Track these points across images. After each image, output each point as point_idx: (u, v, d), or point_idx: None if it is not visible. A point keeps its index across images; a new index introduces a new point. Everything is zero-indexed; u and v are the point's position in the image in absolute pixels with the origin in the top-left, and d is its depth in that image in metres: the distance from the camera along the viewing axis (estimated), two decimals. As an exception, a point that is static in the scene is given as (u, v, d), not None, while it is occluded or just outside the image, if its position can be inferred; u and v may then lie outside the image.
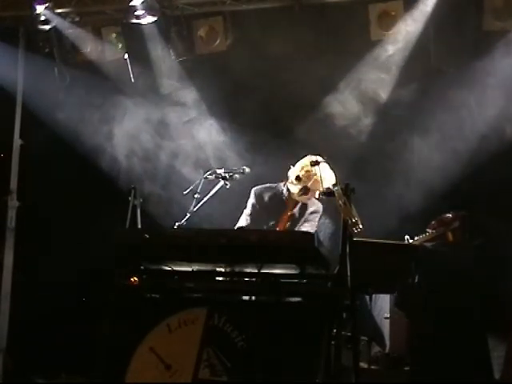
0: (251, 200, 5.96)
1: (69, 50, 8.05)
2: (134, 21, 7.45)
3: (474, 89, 6.74)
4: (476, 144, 6.78)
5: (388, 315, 5.72)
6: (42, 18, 7.62)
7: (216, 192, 5.87)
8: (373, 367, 5.53)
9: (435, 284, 5.32)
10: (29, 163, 8.13)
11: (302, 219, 5.90)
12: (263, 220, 5.89)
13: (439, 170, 6.85)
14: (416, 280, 5.23)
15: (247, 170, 5.94)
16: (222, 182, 5.86)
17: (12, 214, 8.04)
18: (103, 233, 4.99)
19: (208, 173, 5.88)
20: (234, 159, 7.45)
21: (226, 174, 5.86)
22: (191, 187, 5.83)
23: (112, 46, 7.94)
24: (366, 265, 4.64)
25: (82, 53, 8.02)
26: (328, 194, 4.97)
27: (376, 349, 5.64)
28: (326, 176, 5.60)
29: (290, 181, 5.90)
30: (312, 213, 5.92)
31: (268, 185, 6.05)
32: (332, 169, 5.70)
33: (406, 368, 5.58)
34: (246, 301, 4.77)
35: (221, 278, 4.67)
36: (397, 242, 5.48)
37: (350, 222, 4.35)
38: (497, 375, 5.20)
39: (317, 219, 5.93)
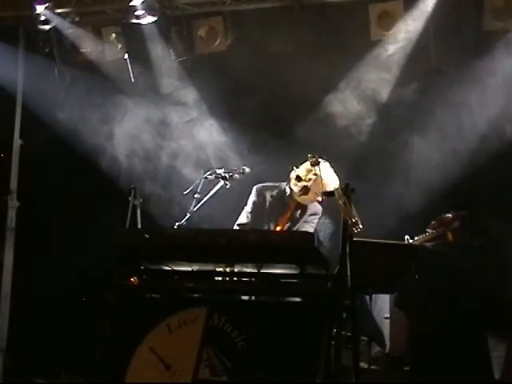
0: (252, 197, 5.94)
1: (69, 50, 8.05)
2: (134, 21, 7.45)
3: (474, 89, 6.74)
4: (476, 144, 6.78)
5: (388, 315, 5.72)
6: (42, 17, 7.62)
7: (216, 192, 5.86)
8: (373, 367, 5.53)
9: (435, 284, 5.32)
10: (29, 163, 8.13)
11: (301, 220, 5.89)
12: (263, 218, 5.87)
13: (439, 169, 6.86)
14: (416, 280, 5.23)
15: (247, 169, 5.93)
16: (221, 182, 5.86)
17: (12, 214, 8.04)
18: (103, 233, 4.99)
19: (208, 173, 5.88)
20: (234, 159, 7.45)
21: (226, 174, 5.85)
22: (191, 187, 5.83)
23: (112, 46, 7.94)
24: (366, 265, 4.64)
25: (81, 53, 8.02)
26: (328, 193, 4.97)
27: (376, 349, 5.64)
28: (328, 178, 5.58)
29: (291, 181, 5.89)
30: (311, 215, 5.91)
31: (270, 183, 6.03)
32: (335, 171, 5.68)
33: (406, 368, 5.58)
34: (245, 301, 4.77)
35: (221, 278, 4.67)
36: (397, 241, 5.48)
37: (350, 221, 4.35)
38: (497, 375, 5.20)
39: (315, 221, 5.92)
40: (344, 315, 4.31)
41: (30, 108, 8.10)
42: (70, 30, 7.89)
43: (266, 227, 5.81)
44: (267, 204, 5.91)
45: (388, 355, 5.65)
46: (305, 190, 5.80)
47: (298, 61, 7.33)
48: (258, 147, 7.38)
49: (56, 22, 7.72)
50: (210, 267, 4.66)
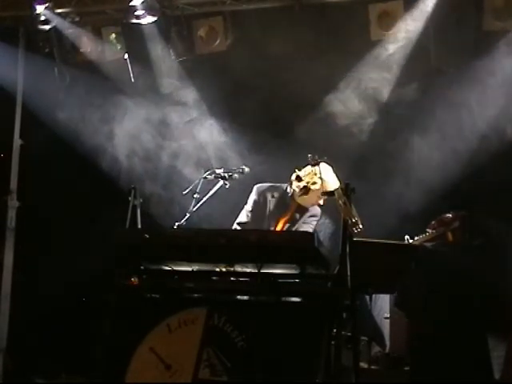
0: (253, 196, 5.93)
1: (69, 50, 8.05)
2: (134, 21, 7.45)
3: (475, 88, 6.74)
4: (476, 144, 6.78)
5: (388, 315, 5.72)
6: (42, 17, 7.62)
7: (215, 192, 5.86)
8: (373, 367, 5.53)
9: (435, 284, 5.32)
10: (29, 163, 8.14)
11: (300, 221, 5.88)
12: (264, 218, 5.87)
13: (439, 169, 6.86)
14: (416, 280, 5.23)
15: (246, 169, 5.93)
16: (221, 182, 5.86)
17: (12, 214, 8.04)
18: (103, 233, 4.99)
19: (207, 173, 5.88)
20: (234, 159, 7.45)
21: (226, 174, 5.85)
22: (190, 187, 5.83)
23: (112, 46, 7.94)
24: (366, 265, 4.63)
25: (81, 53, 8.02)
26: (328, 193, 4.97)
27: (376, 349, 5.64)
28: (329, 179, 5.58)
29: (293, 184, 5.89)
30: (311, 216, 5.91)
31: (271, 184, 6.03)
32: (336, 173, 5.68)
33: (406, 368, 5.58)
34: (245, 301, 4.76)
35: (221, 278, 4.67)
36: (397, 241, 5.48)
37: (350, 221, 4.35)
38: (497, 375, 5.20)
39: (314, 223, 5.91)
40: (344, 315, 4.31)
41: (30, 108, 8.10)
42: (69, 29, 7.89)
43: (266, 227, 5.81)
44: (268, 204, 5.90)
45: (388, 355, 5.65)
46: (305, 190, 5.80)
47: (297, 61, 7.33)
48: (258, 147, 7.39)
49: (56, 22, 7.73)
50: (209, 267, 4.66)
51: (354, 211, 4.39)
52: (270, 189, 5.95)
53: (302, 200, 5.86)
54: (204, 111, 7.88)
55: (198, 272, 4.70)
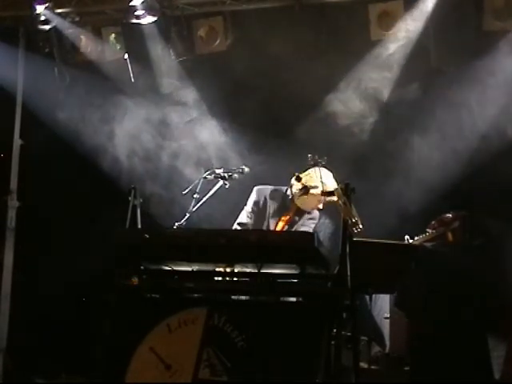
0: (253, 198, 5.92)
1: (69, 50, 8.05)
2: (134, 21, 7.45)
3: (475, 88, 6.75)
4: (476, 144, 6.79)
5: (388, 315, 5.72)
6: (42, 17, 7.63)
7: (215, 192, 5.86)
8: (373, 367, 5.53)
9: (435, 284, 5.32)
10: (29, 163, 8.14)
11: (299, 223, 5.88)
12: (264, 220, 5.87)
13: (439, 169, 6.86)
14: (416, 280, 5.23)
15: (246, 169, 5.93)
16: (221, 182, 5.86)
17: (12, 214, 8.04)
18: (103, 233, 4.99)
19: (207, 172, 5.87)
20: (234, 159, 7.45)
21: (226, 174, 5.85)
22: (190, 187, 5.83)
23: (112, 46, 7.94)
24: (366, 265, 4.63)
25: (81, 53, 8.02)
26: (328, 193, 4.97)
27: (376, 349, 5.64)
28: (329, 184, 5.58)
29: (294, 186, 5.89)
30: (309, 219, 5.92)
31: (272, 186, 6.02)
32: (334, 177, 5.67)
33: (406, 368, 5.58)
34: (246, 301, 4.77)
35: (221, 278, 4.67)
36: (397, 241, 5.48)
37: (350, 221, 4.35)
38: (497, 375, 5.20)
39: (313, 226, 5.92)
40: (344, 315, 4.30)
41: (30, 108, 8.11)
42: (69, 29, 7.89)
43: (265, 229, 5.81)
44: (268, 206, 5.89)
45: (388, 355, 5.65)
46: (305, 190, 5.79)
47: (297, 61, 7.33)
48: (259, 147, 7.39)
49: (56, 21, 7.73)
50: (209, 267, 4.66)
51: (354, 211, 4.39)
52: (270, 191, 5.94)
53: (302, 203, 5.86)
54: (204, 111, 7.88)
55: (198, 272, 4.70)
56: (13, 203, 8.04)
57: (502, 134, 6.72)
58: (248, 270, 4.56)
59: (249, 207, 5.91)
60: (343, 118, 7.30)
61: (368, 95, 7.26)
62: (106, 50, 7.99)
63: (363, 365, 5.31)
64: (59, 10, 7.73)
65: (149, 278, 4.83)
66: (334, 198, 4.67)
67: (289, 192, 5.90)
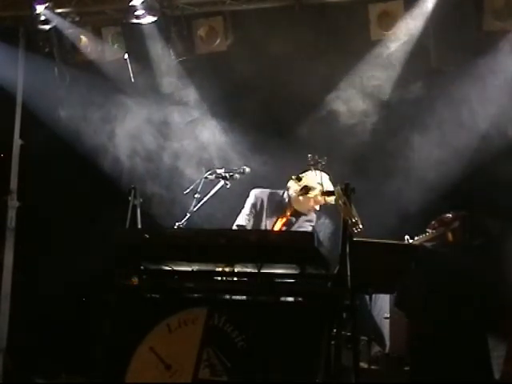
0: (250, 200, 5.94)
1: (69, 50, 8.05)
2: (134, 21, 7.45)
3: (475, 88, 6.75)
4: (476, 143, 6.79)
5: (388, 315, 5.72)
6: (42, 17, 7.62)
7: (216, 192, 5.86)
8: (373, 367, 5.52)
9: (435, 284, 5.32)
10: (29, 163, 8.14)
11: (296, 225, 5.90)
12: (260, 223, 5.89)
13: (440, 169, 6.86)
14: (416, 280, 5.23)
15: (247, 169, 5.93)
16: (222, 182, 5.86)
17: (12, 214, 8.04)
18: (103, 233, 4.99)
19: (208, 173, 5.88)
20: (236, 159, 7.46)
21: (227, 174, 5.85)
22: (191, 187, 5.83)
23: (112, 46, 7.94)
24: (366, 265, 4.63)
25: (81, 53, 8.02)
26: (328, 193, 4.97)
27: (376, 349, 5.64)
28: (327, 186, 5.59)
29: (292, 187, 5.90)
30: (306, 221, 5.93)
31: (269, 190, 6.04)
32: (328, 175, 5.68)
33: (406, 368, 5.58)
34: (245, 301, 4.77)
35: (221, 278, 4.67)
36: (397, 241, 5.48)
37: (350, 221, 4.35)
38: (497, 375, 5.19)
39: (310, 228, 5.92)
40: (344, 315, 4.31)
41: (30, 108, 8.11)
42: (69, 29, 7.89)
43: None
44: (265, 208, 5.91)
45: (388, 355, 5.65)
46: (305, 190, 5.80)
47: (298, 61, 7.33)
48: (259, 147, 7.39)
49: (56, 21, 7.73)
50: (209, 267, 4.66)
51: (354, 211, 4.39)
52: (266, 194, 5.96)
53: (298, 205, 5.87)
54: (205, 111, 7.88)
55: (198, 272, 4.70)
56: (13, 203, 8.04)
57: (502, 134, 6.72)
58: (248, 270, 4.56)
59: (246, 210, 5.93)
60: (343, 118, 7.30)
61: (368, 94, 7.26)
62: (106, 50, 7.99)
63: (363, 365, 5.30)
64: (59, 10, 7.73)
65: (149, 278, 4.83)
66: (332, 200, 4.67)
67: (285, 195, 5.93)
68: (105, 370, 4.58)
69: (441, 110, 6.99)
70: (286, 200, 5.91)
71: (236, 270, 4.58)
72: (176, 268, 4.71)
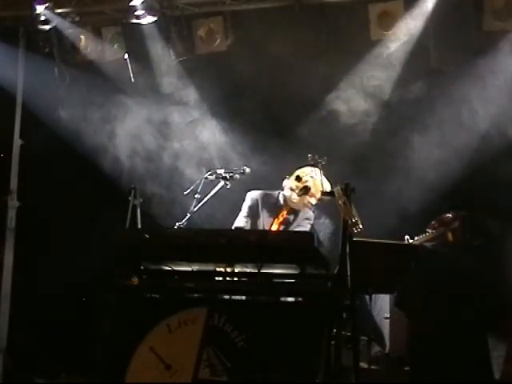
0: (247, 203, 5.97)
1: (69, 50, 8.05)
2: (134, 21, 7.46)
3: (475, 88, 6.75)
4: (477, 143, 6.79)
5: (388, 315, 5.72)
6: (42, 17, 7.63)
7: (216, 192, 5.87)
8: (373, 367, 5.53)
9: (435, 284, 5.32)
10: (29, 163, 8.14)
11: (295, 224, 5.91)
12: (257, 223, 5.91)
13: (440, 169, 6.86)
14: (416, 280, 5.23)
15: (247, 170, 5.94)
16: (222, 183, 5.86)
17: (12, 214, 8.04)
18: (103, 233, 4.99)
19: (208, 173, 5.88)
20: (236, 159, 7.46)
21: (227, 174, 5.85)
22: (191, 187, 5.83)
23: (112, 46, 7.94)
24: (366, 265, 4.63)
25: (81, 53, 8.02)
26: (328, 193, 4.97)
27: (376, 349, 5.64)
28: (319, 180, 5.61)
29: (288, 185, 5.90)
30: (305, 219, 5.94)
31: (264, 191, 6.05)
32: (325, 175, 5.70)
33: (406, 368, 5.58)
34: (245, 301, 4.77)
35: (221, 278, 4.67)
36: (397, 241, 5.48)
37: (350, 221, 4.35)
38: (497, 375, 5.19)
39: (308, 227, 5.94)
40: (344, 315, 4.31)
41: (30, 108, 8.11)
42: (69, 29, 7.89)
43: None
44: (260, 209, 5.93)
45: (388, 355, 5.65)
46: (305, 190, 5.81)
47: (298, 61, 7.33)
48: (259, 147, 7.39)
49: (56, 21, 7.73)
50: (210, 267, 4.66)
51: (354, 211, 4.39)
52: (262, 195, 5.98)
53: (294, 203, 5.87)
54: (205, 111, 7.88)
55: (198, 272, 4.70)
56: (13, 203, 8.04)
57: (502, 134, 6.72)
58: (248, 270, 4.56)
59: (244, 212, 5.95)
60: (343, 118, 7.31)
61: (368, 94, 7.26)
62: (106, 50, 7.99)
63: (363, 365, 5.31)
64: (59, 10, 7.74)
65: (149, 278, 4.83)
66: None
67: (281, 195, 5.94)
68: (105, 370, 4.57)
69: (441, 110, 6.99)
70: (282, 200, 5.93)
71: (236, 270, 4.58)
72: (176, 268, 4.71)
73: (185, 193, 5.89)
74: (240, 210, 5.98)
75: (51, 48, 8.02)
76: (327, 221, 6.39)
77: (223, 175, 5.85)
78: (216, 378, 4.27)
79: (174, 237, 4.82)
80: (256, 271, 4.47)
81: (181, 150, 7.88)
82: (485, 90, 6.72)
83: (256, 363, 4.23)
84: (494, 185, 6.51)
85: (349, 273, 4.26)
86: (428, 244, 5.63)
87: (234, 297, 4.81)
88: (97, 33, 8.00)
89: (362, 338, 5.35)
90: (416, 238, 5.70)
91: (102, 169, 7.97)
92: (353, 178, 4.76)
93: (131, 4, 7.32)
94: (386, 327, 5.67)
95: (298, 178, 5.84)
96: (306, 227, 5.92)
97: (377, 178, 6.92)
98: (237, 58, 7.43)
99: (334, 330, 4.25)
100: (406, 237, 5.71)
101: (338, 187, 4.51)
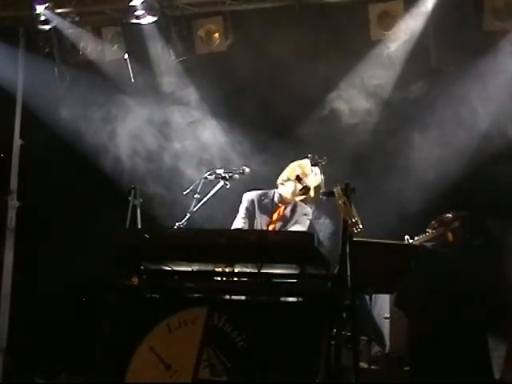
0: (244, 204, 6.02)
1: (69, 50, 8.06)
2: (134, 21, 7.46)
3: (476, 88, 6.75)
4: (477, 143, 6.79)
5: (388, 315, 5.72)
6: (42, 18, 7.63)
7: (216, 192, 5.87)
8: (373, 367, 5.53)
9: (435, 284, 5.32)
10: (29, 163, 8.14)
11: (293, 220, 5.95)
12: (254, 223, 5.96)
13: (440, 169, 6.86)
14: (416, 280, 5.22)
15: (247, 170, 5.95)
16: (221, 183, 5.87)
17: (12, 214, 8.04)
18: (103, 233, 4.99)
19: (208, 173, 5.89)
20: (237, 159, 7.46)
21: (226, 174, 5.86)
22: (191, 187, 5.84)
23: (112, 46, 7.94)
24: (366, 265, 4.63)
25: (81, 53, 8.02)
26: (328, 193, 4.97)
27: (376, 349, 5.64)
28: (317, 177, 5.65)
29: (282, 181, 5.93)
30: (303, 214, 5.98)
31: (259, 191, 6.10)
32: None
33: (406, 368, 5.57)
34: (245, 301, 4.77)
35: (221, 278, 4.67)
36: (397, 241, 5.48)
37: (350, 221, 4.35)
38: (497, 375, 5.19)
39: (307, 222, 5.99)
40: (344, 315, 4.31)
41: (30, 108, 8.11)
42: (69, 29, 7.89)
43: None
44: (257, 209, 5.98)
45: (388, 355, 5.65)
46: (305, 190, 5.83)
47: (298, 61, 7.34)
48: (259, 147, 7.40)
49: (56, 22, 7.73)
50: (209, 267, 4.66)
51: (354, 211, 4.39)
52: (258, 195, 6.04)
53: (288, 194, 5.93)
54: (205, 111, 7.89)
55: (198, 272, 4.70)
56: (13, 203, 8.03)
57: (502, 134, 6.72)
58: (248, 270, 4.56)
59: (241, 213, 6.00)
60: (344, 118, 7.31)
61: (369, 94, 7.27)
62: (106, 50, 7.99)
63: (363, 365, 5.31)
64: (59, 10, 7.74)
65: (149, 278, 4.83)
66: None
67: (276, 194, 5.96)
68: (105, 370, 4.57)
69: (441, 110, 7.00)
70: (277, 198, 6.00)
71: (236, 270, 4.58)
72: (176, 268, 4.71)
73: (184, 193, 5.90)
74: (238, 211, 6.00)
75: (51, 48, 8.02)
76: (327, 221, 6.39)
77: (222, 175, 5.87)
78: (216, 378, 4.27)
79: (173, 237, 4.82)
80: (256, 271, 4.47)
81: (181, 150, 7.88)
82: (485, 89, 6.72)
83: (256, 363, 4.23)
84: (493, 185, 6.51)
85: (349, 273, 4.26)
86: (428, 244, 5.63)
87: (233, 297, 4.81)
88: (97, 33, 8.00)
89: (362, 338, 5.35)
90: (416, 238, 5.69)
91: (102, 169, 7.97)
92: (353, 178, 4.77)
93: (131, 4, 7.32)
94: (386, 327, 5.67)
95: (298, 178, 5.86)
96: (304, 222, 5.96)
97: (377, 178, 6.92)
98: (237, 58, 7.43)
99: (334, 330, 4.25)
100: (406, 237, 5.71)
101: (338, 187, 4.51)
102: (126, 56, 7.78)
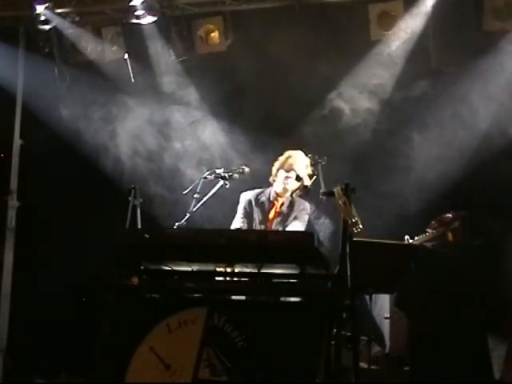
0: (241, 204, 6.05)
1: (69, 50, 8.06)
2: (134, 21, 7.46)
3: (476, 88, 6.75)
4: (477, 143, 6.79)
5: (388, 315, 5.71)
6: (42, 18, 7.63)
7: (216, 192, 5.87)
8: (373, 367, 5.52)
9: (435, 284, 5.32)
10: (29, 163, 8.13)
11: (292, 216, 5.97)
12: (252, 221, 5.98)
13: (440, 168, 6.86)
14: (416, 280, 5.22)
15: (246, 169, 5.95)
16: (221, 182, 5.87)
17: (12, 214, 8.04)
18: (103, 233, 4.99)
19: (207, 173, 5.89)
20: (236, 159, 7.46)
21: (226, 174, 5.87)
22: (191, 187, 5.84)
23: (112, 46, 7.95)
24: (365, 265, 4.63)
25: (81, 53, 8.02)
26: (328, 193, 4.97)
27: (376, 349, 5.64)
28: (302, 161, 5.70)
29: (273, 177, 6.01)
30: (301, 210, 6.02)
31: (256, 190, 6.11)
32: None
33: (406, 368, 5.57)
34: (245, 301, 4.77)
35: (221, 278, 4.67)
36: (397, 241, 5.48)
37: (349, 221, 4.35)
38: (497, 375, 5.19)
39: (306, 217, 6.02)
40: (344, 315, 4.30)
41: (30, 108, 8.10)
42: (70, 29, 7.89)
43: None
44: (254, 207, 6.01)
45: (388, 355, 5.64)
46: (305, 190, 5.84)
47: (298, 61, 7.34)
48: (259, 147, 7.39)
49: (56, 22, 7.73)
50: (209, 267, 4.66)
51: (354, 211, 4.39)
52: (255, 194, 6.07)
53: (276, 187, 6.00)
54: (205, 111, 7.89)
55: (198, 272, 4.70)
56: (13, 203, 8.03)
57: (502, 134, 6.72)
58: (248, 270, 4.56)
59: (239, 213, 6.03)
60: (344, 117, 7.31)
61: (369, 94, 7.27)
62: (106, 50, 7.99)
63: (363, 365, 5.31)
64: (59, 10, 7.74)
65: (149, 278, 4.83)
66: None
67: (272, 192, 6.00)
68: (105, 370, 4.57)
69: (441, 110, 7.00)
70: (273, 195, 6.03)
71: (236, 270, 4.58)
72: (176, 268, 4.71)
73: (184, 192, 5.90)
74: (236, 211, 6.01)
75: (51, 48, 8.02)
76: (327, 221, 6.39)
77: (222, 175, 5.87)
78: (216, 378, 4.27)
79: (173, 237, 4.82)
80: (256, 271, 4.47)
81: (182, 150, 7.89)
82: (485, 89, 6.72)
83: (256, 363, 4.23)
84: (494, 185, 6.51)
85: (349, 273, 4.26)
86: (428, 244, 5.63)
87: (233, 297, 4.81)
88: (97, 33, 8.00)
89: (362, 338, 5.35)
90: (416, 238, 5.70)
91: (102, 169, 7.98)
92: (353, 178, 4.77)
93: (131, 4, 7.32)
94: (386, 327, 5.66)
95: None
96: (303, 217, 5.99)
97: (377, 178, 6.92)
98: (237, 58, 7.43)
99: (334, 330, 4.24)
100: (406, 237, 5.71)
101: (338, 187, 4.51)
102: (126, 56, 7.78)
